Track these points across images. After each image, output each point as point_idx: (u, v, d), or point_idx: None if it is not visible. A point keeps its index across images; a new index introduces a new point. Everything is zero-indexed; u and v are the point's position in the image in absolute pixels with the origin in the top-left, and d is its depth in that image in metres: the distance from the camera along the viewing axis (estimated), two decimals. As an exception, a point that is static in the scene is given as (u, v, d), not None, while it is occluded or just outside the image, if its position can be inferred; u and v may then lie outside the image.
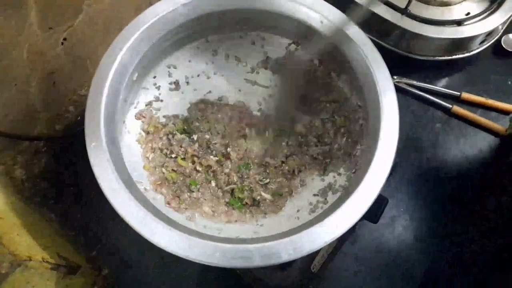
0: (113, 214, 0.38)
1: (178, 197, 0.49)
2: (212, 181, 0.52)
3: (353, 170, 0.47)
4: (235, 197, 0.51)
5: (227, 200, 0.51)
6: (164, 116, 0.55)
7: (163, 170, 0.51)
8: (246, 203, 0.50)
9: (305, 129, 0.54)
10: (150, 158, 0.51)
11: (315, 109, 0.55)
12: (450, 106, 0.66)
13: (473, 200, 0.62)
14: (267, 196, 0.50)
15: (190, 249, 0.37)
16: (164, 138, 0.53)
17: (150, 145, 0.52)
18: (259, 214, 0.49)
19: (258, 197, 0.50)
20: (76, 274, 0.56)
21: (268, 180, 0.52)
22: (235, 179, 0.52)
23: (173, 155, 0.52)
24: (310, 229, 0.37)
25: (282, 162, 0.53)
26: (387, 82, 0.43)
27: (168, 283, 0.58)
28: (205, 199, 0.50)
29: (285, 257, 0.37)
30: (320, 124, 0.54)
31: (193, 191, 0.50)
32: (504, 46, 0.69)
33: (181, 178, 0.52)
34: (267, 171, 0.53)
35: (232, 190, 0.51)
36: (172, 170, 0.51)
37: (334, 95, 0.53)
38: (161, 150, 0.52)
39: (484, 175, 0.63)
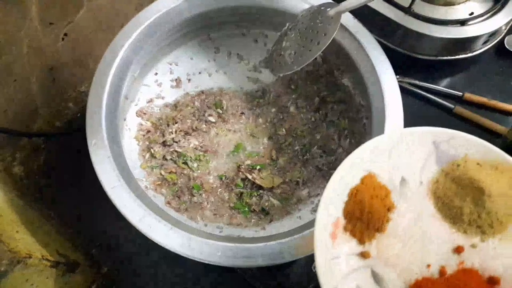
0: (113, 211, 0.38)
1: (179, 197, 0.49)
2: (217, 182, 0.52)
3: (356, 170, 0.47)
4: (242, 202, 0.50)
5: (232, 204, 0.49)
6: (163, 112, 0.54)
7: (162, 172, 0.50)
8: (254, 210, 0.49)
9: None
10: (146, 157, 0.50)
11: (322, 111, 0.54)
12: (453, 106, 0.65)
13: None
14: (275, 202, 0.49)
15: (191, 247, 0.37)
16: (161, 138, 0.52)
17: (147, 143, 0.51)
18: (266, 221, 0.48)
19: (267, 203, 0.49)
20: (75, 272, 0.56)
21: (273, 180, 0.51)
22: (241, 183, 0.51)
23: (173, 156, 0.51)
24: (312, 229, 0.37)
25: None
26: (391, 81, 0.43)
27: (168, 281, 0.57)
28: (208, 203, 0.49)
29: (288, 257, 0.36)
30: (325, 130, 0.53)
31: (194, 195, 0.49)
32: (507, 47, 0.68)
33: (182, 180, 0.51)
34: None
35: (241, 194, 0.50)
36: (171, 171, 0.50)
37: (340, 95, 0.52)
38: (160, 150, 0.51)
39: (486, 176, 0.63)
